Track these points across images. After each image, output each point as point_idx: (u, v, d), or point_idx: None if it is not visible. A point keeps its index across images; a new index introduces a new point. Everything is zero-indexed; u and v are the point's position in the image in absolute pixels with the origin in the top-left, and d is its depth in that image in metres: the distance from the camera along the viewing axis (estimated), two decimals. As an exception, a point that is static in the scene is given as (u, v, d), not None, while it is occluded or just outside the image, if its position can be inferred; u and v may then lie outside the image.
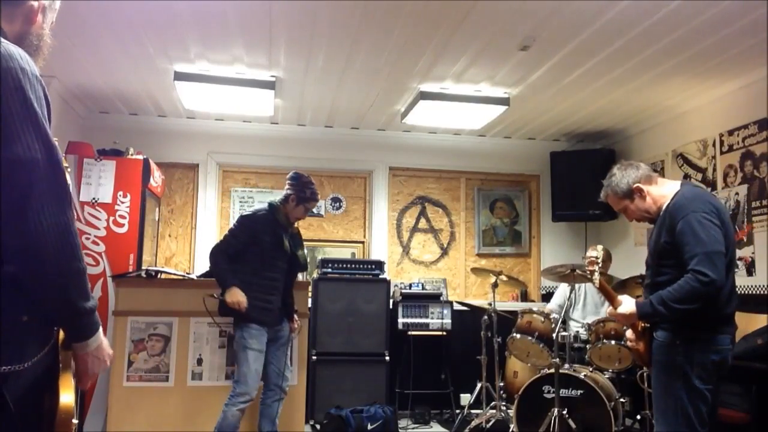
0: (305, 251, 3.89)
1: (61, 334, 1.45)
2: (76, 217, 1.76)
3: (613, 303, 2.65)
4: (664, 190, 2.62)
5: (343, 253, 5.98)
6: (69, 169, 2.17)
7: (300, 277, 5.34)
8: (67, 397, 1.39)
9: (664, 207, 2.58)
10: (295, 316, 3.92)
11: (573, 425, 3.73)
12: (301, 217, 3.76)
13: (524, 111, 5.26)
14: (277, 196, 6.03)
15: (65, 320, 1.41)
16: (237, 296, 3.47)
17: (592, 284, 2.84)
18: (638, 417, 4.41)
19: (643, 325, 2.68)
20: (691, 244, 2.40)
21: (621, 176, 2.68)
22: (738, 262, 4.27)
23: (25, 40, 1.45)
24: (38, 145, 1.30)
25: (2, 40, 1.36)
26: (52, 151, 1.33)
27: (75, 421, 1.46)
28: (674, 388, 2.46)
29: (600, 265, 2.90)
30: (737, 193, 4.48)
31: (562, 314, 4.23)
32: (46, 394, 1.40)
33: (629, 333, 2.80)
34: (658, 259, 2.60)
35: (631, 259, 5.52)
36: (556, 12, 3.45)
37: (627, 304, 2.60)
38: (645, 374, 4.22)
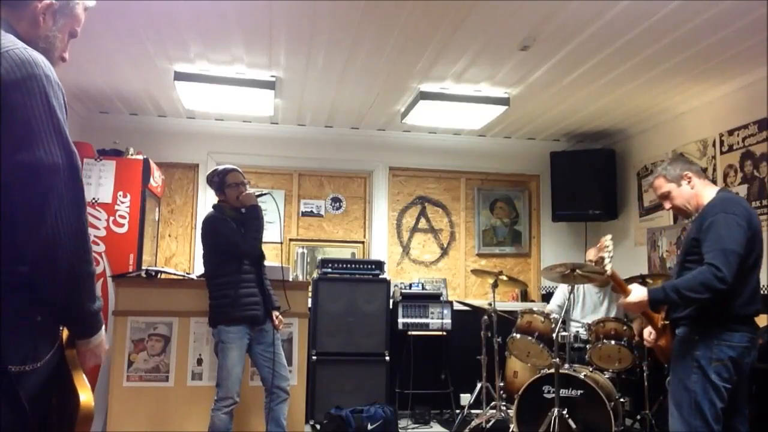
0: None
1: (65, 332, 1.48)
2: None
3: (624, 292, 2.70)
4: (706, 191, 2.73)
5: (343, 253, 5.98)
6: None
7: (299, 276, 5.37)
8: (85, 395, 1.41)
9: (701, 209, 2.68)
10: (278, 314, 3.71)
11: (573, 425, 3.73)
12: (239, 197, 3.64)
13: (524, 111, 5.26)
14: (277, 195, 6.10)
15: (73, 320, 1.44)
16: None
17: (604, 272, 2.85)
18: (638, 417, 4.42)
19: (663, 321, 2.73)
20: (712, 239, 2.49)
21: (675, 162, 2.84)
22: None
23: (31, 44, 1.44)
24: (59, 151, 1.34)
25: (27, 47, 1.38)
26: (73, 157, 1.37)
27: None
28: (690, 382, 2.52)
29: (611, 254, 2.90)
30: (737, 193, 4.47)
31: (562, 314, 4.23)
32: (54, 392, 1.43)
33: (646, 332, 2.82)
34: (684, 256, 2.68)
35: (631, 259, 5.52)
36: (556, 12, 3.45)
37: (637, 291, 2.66)
38: (646, 374, 4.22)
